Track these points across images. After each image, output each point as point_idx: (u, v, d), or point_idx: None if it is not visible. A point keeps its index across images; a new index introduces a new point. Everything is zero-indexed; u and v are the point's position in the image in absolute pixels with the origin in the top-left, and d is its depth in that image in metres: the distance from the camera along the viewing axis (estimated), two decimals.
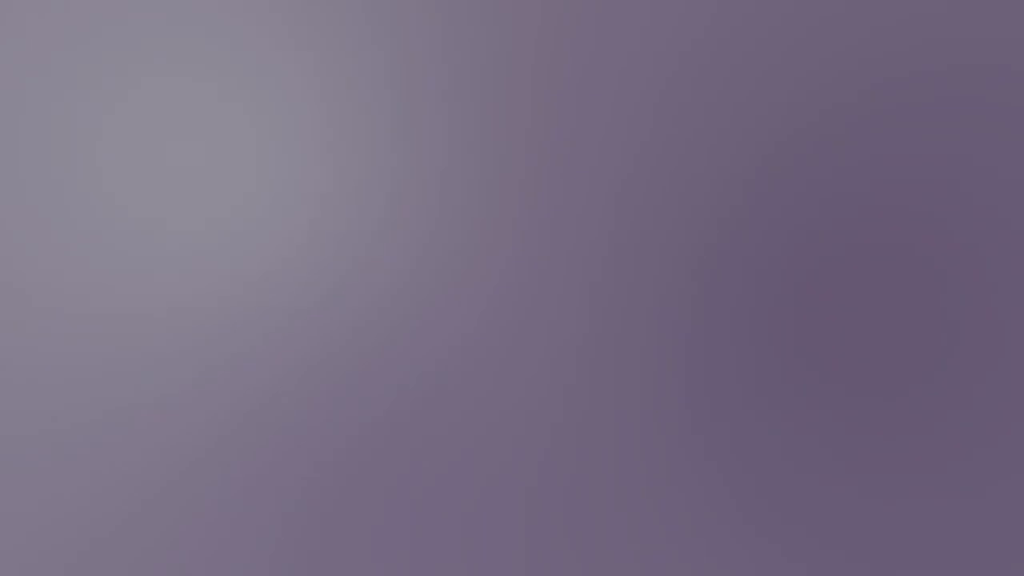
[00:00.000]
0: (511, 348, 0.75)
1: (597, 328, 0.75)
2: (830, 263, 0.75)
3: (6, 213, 0.75)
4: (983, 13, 0.76)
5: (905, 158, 0.76)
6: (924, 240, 0.75)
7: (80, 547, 0.74)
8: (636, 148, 0.76)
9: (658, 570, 0.75)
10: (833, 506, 0.75)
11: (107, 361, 0.74)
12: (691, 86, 0.76)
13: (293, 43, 0.76)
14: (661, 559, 0.75)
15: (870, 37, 0.76)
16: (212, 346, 0.75)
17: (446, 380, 0.75)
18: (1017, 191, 0.76)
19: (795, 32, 0.76)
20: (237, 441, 0.74)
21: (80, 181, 0.75)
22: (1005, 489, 0.75)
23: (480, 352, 0.75)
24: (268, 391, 0.75)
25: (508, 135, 0.76)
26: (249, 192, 0.75)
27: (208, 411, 0.74)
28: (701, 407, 0.75)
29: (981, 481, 0.75)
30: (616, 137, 0.76)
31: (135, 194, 0.75)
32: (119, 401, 0.74)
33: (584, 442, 0.75)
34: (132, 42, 0.76)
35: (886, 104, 0.75)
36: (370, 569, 0.75)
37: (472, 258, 0.75)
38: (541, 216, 0.75)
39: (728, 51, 0.76)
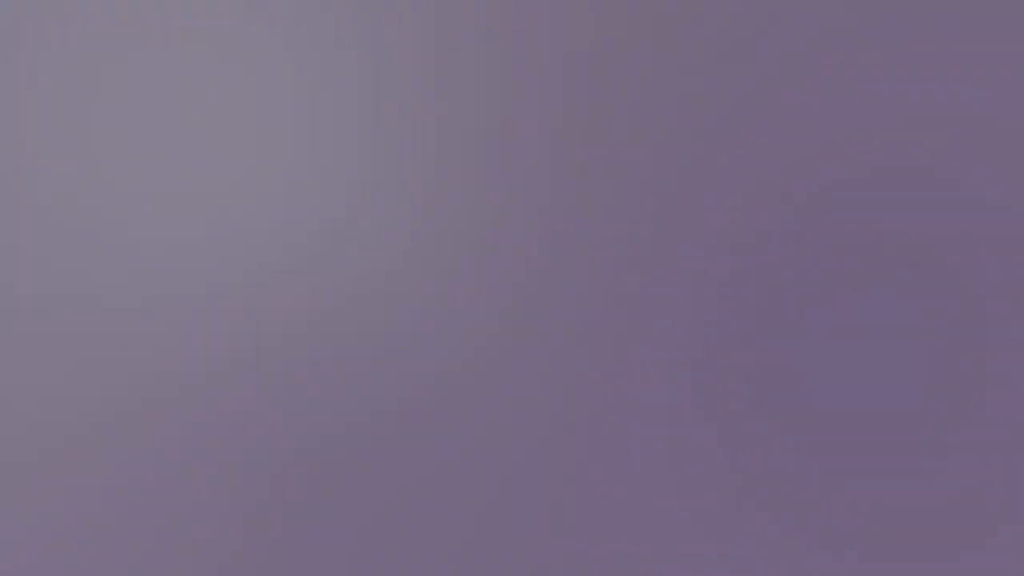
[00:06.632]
0: (515, 345, 0.75)
1: (602, 326, 0.75)
2: (836, 260, 0.75)
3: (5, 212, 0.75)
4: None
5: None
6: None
7: (79, 545, 0.74)
8: (646, 145, 0.76)
9: (661, 569, 0.74)
10: (838, 502, 0.74)
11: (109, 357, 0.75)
12: (695, 87, 0.76)
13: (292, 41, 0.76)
14: (663, 558, 0.75)
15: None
16: (214, 346, 0.75)
17: (452, 378, 0.75)
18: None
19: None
20: (238, 440, 0.74)
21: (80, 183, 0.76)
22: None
23: (486, 349, 0.75)
24: (270, 390, 0.75)
25: (508, 134, 0.76)
26: (252, 196, 0.76)
27: (210, 411, 0.74)
28: (708, 405, 0.75)
29: (981, 483, 0.75)
30: (623, 137, 0.76)
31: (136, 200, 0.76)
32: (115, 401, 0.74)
33: (587, 442, 0.75)
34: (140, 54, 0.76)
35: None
36: (370, 569, 0.75)
37: (477, 256, 0.75)
38: (547, 213, 0.75)
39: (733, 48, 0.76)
